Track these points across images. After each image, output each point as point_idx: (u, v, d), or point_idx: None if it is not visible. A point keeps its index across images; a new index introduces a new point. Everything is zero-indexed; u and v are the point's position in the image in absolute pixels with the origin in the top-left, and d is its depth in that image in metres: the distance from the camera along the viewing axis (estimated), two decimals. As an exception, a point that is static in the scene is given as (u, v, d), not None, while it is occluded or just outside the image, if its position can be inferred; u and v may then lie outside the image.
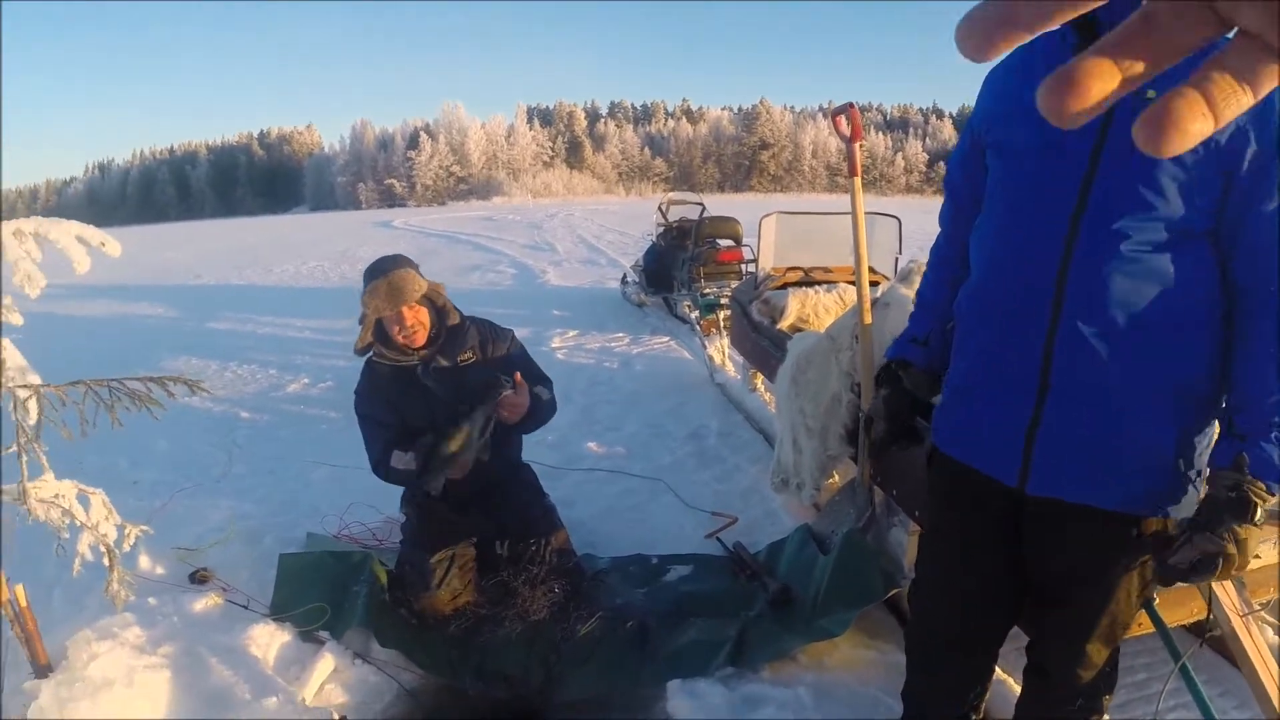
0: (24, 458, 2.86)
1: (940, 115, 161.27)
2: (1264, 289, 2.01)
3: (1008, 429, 2.27)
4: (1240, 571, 2.08)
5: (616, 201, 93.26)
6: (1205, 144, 1.77)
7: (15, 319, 2.77)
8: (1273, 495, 2.04)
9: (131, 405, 2.97)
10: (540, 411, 4.14)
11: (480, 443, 3.87)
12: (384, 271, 3.97)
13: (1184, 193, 2.01)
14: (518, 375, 3.97)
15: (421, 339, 4.07)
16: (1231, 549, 2.02)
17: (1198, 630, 2.95)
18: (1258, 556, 2.90)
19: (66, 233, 2.80)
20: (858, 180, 3.91)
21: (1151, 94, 1.60)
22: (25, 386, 2.87)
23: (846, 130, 3.89)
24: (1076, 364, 2.15)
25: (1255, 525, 2.03)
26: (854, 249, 3.92)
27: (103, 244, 2.87)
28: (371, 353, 4.15)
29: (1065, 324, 2.14)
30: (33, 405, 2.85)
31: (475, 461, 4.02)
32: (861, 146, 3.96)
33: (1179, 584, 2.20)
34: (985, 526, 2.49)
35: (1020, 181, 2.23)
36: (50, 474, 3.00)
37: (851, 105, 3.93)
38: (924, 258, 4.43)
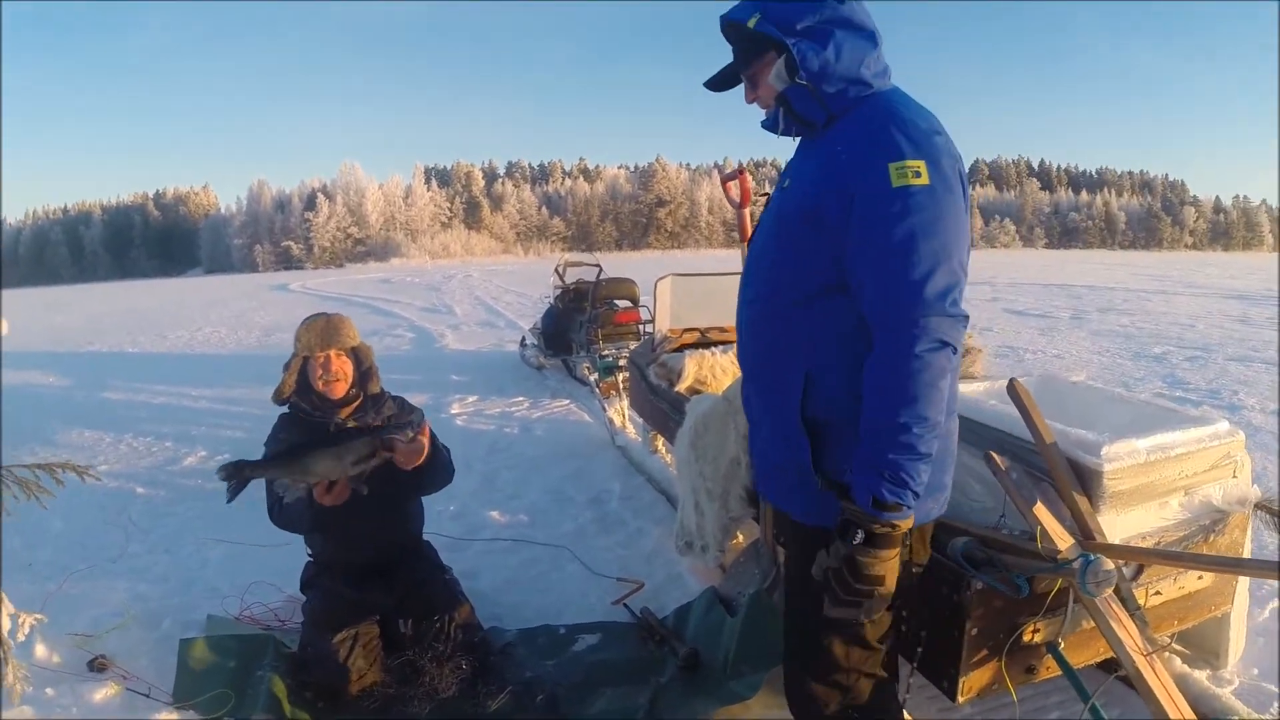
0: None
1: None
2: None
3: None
4: (882, 601, 2.35)
5: (515, 261, 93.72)
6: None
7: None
8: (878, 520, 2.27)
9: (20, 494, 2.92)
10: (440, 467, 4.15)
11: (359, 470, 3.74)
12: (325, 315, 4.22)
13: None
14: (425, 425, 3.99)
15: (341, 391, 4.13)
16: (841, 568, 2.31)
17: (1109, 666, 3.03)
18: (1160, 592, 2.97)
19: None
20: (745, 247, 3.98)
21: (787, 183, 1.81)
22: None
23: (737, 195, 3.97)
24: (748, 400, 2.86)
25: (863, 547, 2.29)
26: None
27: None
28: (290, 404, 4.21)
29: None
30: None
31: (366, 523, 4.08)
32: (750, 212, 4.03)
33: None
34: None
35: None
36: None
37: (742, 171, 4.01)
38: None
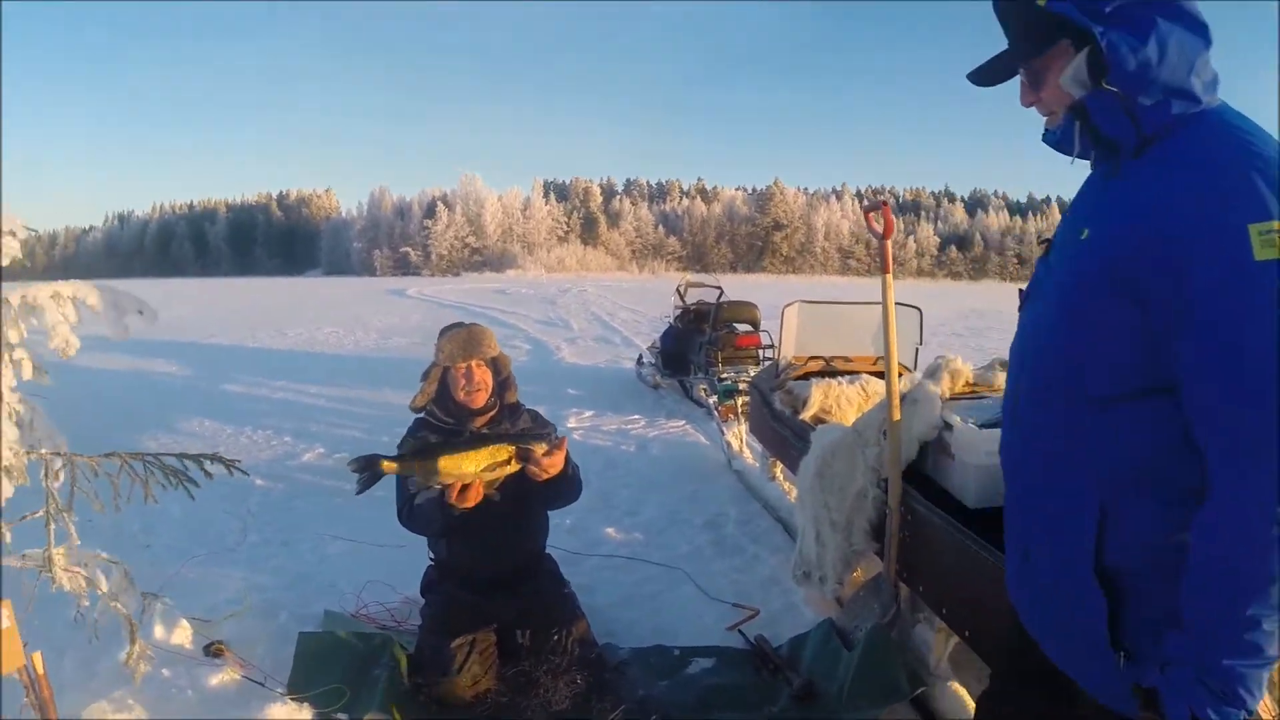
0: (52, 525, 2.84)
1: (952, 199, 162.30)
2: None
3: None
4: None
5: (629, 279, 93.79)
6: None
7: (44, 380, 2.76)
8: None
9: (167, 481, 2.96)
10: (571, 483, 4.12)
11: (491, 475, 3.71)
12: (465, 325, 4.25)
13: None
14: (563, 440, 3.92)
15: (481, 401, 4.17)
16: None
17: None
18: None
19: (103, 300, 2.80)
20: (888, 277, 3.92)
21: (1085, 233, 1.53)
22: (58, 455, 2.86)
23: (879, 227, 3.90)
24: None
25: None
26: (884, 345, 3.93)
27: (140, 312, 2.87)
28: (425, 411, 4.24)
29: None
30: (64, 474, 2.84)
31: (493, 533, 4.09)
32: (892, 242, 3.97)
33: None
34: None
35: None
36: (77, 542, 2.97)
37: (884, 203, 3.95)
38: (947, 352, 4.43)
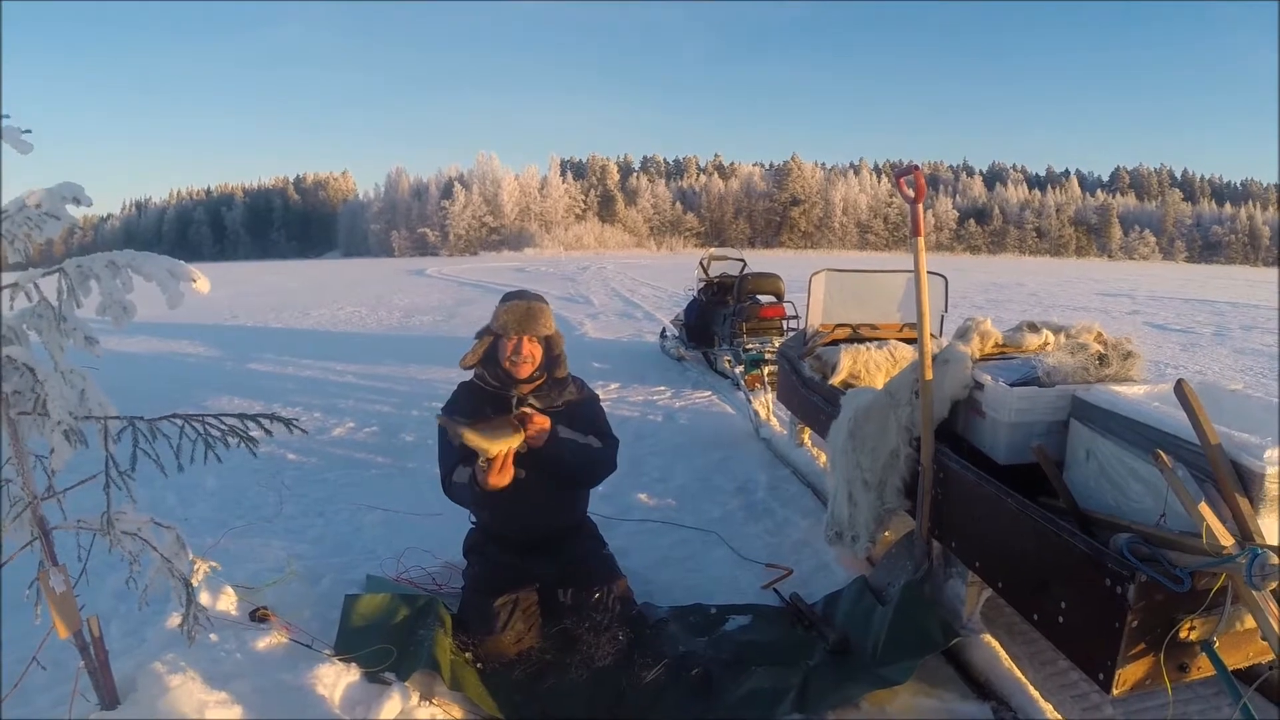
0: (110, 489, 2.89)
1: (970, 173, 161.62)
2: None
3: None
4: None
5: (648, 255, 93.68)
6: None
7: (97, 352, 2.80)
8: None
9: (225, 441, 3.02)
10: (589, 461, 4.20)
11: (499, 448, 3.76)
12: (526, 296, 4.32)
13: None
14: (545, 421, 3.96)
15: (526, 372, 4.24)
16: None
17: (1246, 678, 2.99)
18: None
19: (159, 268, 2.85)
20: (921, 240, 3.96)
21: None
22: (119, 419, 2.91)
23: (910, 192, 3.95)
24: None
25: None
26: (917, 307, 3.98)
27: (194, 280, 2.92)
28: (474, 373, 4.32)
29: None
30: (126, 438, 2.89)
31: (533, 505, 4.20)
32: (924, 207, 4.01)
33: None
34: None
35: None
36: (133, 505, 3.03)
37: (916, 168, 3.98)
38: (976, 318, 4.49)
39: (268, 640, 3.83)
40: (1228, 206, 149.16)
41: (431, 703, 3.57)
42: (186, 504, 6.36)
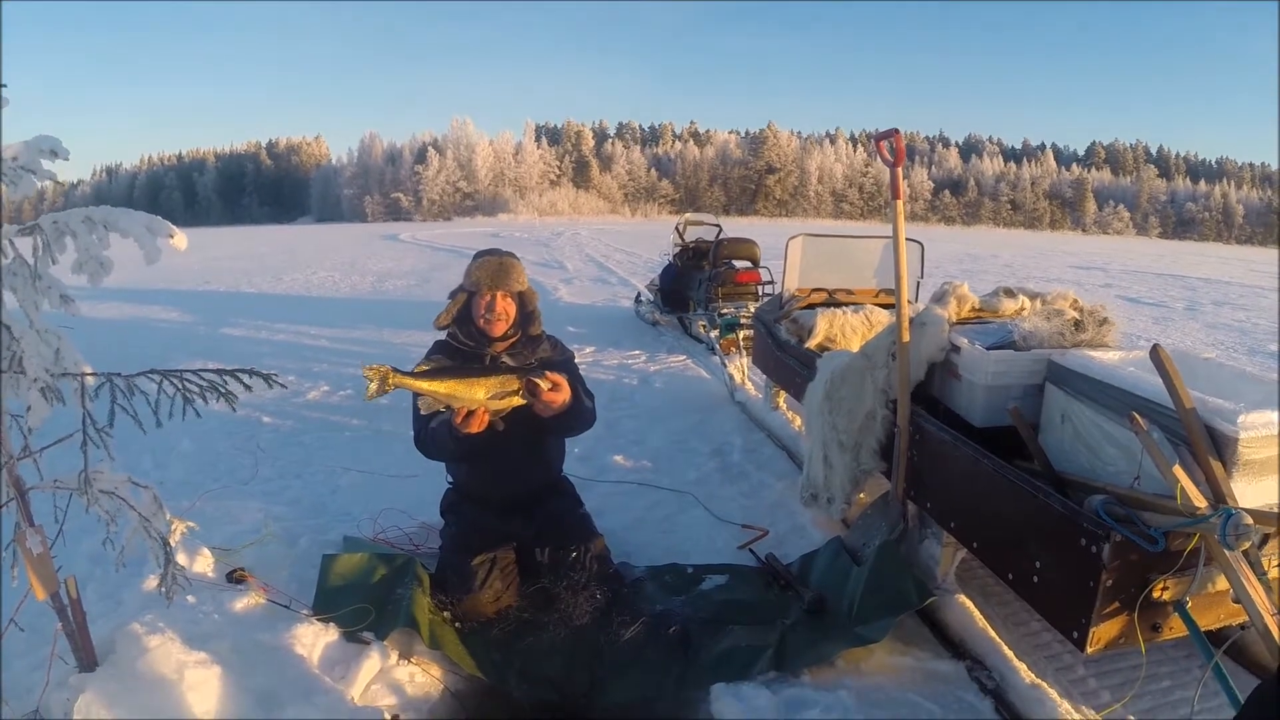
0: (88, 447, 2.87)
1: (947, 144, 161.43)
2: None
3: None
4: None
5: (623, 222, 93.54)
6: None
7: (73, 310, 2.78)
8: None
9: (204, 397, 3.01)
10: (580, 414, 4.13)
11: (495, 405, 3.68)
12: (499, 253, 4.30)
13: None
14: (560, 377, 3.81)
15: (500, 330, 4.22)
16: None
17: (1216, 640, 3.04)
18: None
19: (137, 223, 2.82)
20: (900, 204, 3.98)
21: None
22: (97, 375, 2.90)
23: (890, 156, 3.96)
24: None
25: None
26: (895, 269, 4.00)
27: (171, 236, 2.89)
28: (447, 333, 4.30)
29: None
30: (104, 395, 2.88)
31: (509, 461, 4.21)
32: (902, 171, 4.03)
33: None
34: None
35: None
36: (111, 464, 3.01)
37: (896, 131, 4.00)
38: (954, 282, 4.52)
39: (246, 601, 3.83)
40: (1202, 184, 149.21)
41: (410, 662, 3.59)
42: (161, 467, 6.35)
